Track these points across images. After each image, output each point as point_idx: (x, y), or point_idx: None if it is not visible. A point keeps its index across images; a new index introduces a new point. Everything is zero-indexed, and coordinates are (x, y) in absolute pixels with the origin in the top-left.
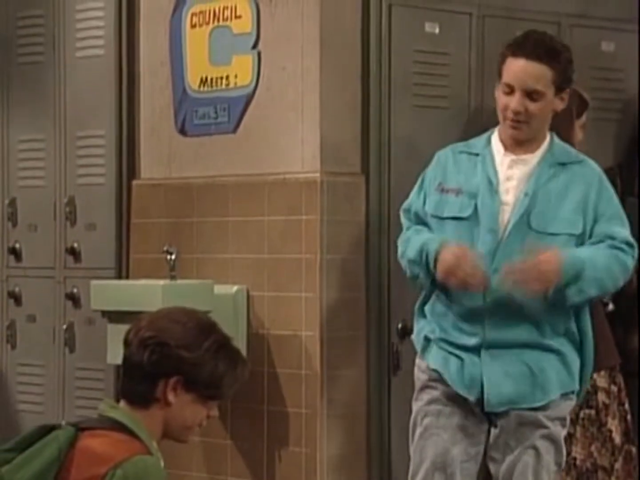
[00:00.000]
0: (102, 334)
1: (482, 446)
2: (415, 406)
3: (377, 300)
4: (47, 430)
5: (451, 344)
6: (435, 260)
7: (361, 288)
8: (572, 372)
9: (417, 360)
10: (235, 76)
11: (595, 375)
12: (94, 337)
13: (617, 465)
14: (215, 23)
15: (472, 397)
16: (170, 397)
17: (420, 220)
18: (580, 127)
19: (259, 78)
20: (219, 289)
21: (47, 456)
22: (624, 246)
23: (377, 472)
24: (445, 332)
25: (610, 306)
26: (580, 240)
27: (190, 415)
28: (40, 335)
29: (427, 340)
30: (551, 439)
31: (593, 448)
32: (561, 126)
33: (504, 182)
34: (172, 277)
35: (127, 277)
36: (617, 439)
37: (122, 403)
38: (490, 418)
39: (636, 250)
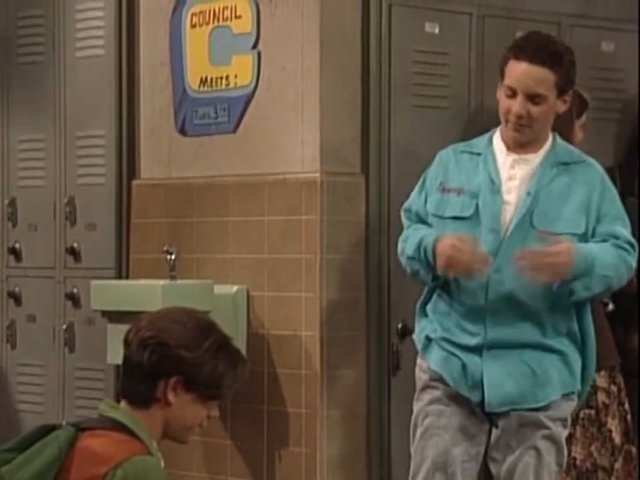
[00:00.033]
0: (102, 334)
1: (483, 446)
2: (416, 406)
3: (377, 300)
4: (47, 430)
5: (453, 343)
6: (434, 254)
7: (361, 288)
8: (574, 372)
9: (419, 360)
10: (235, 76)
11: (595, 375)
12: (94, 337)
13: (617, 465)
14: (215, 23)
15: (474, 398)
16: (171, 397)
17: (420, 220)
18: (580, 127)
19: (259, 78)
20: (219, 289)
21: (47, 456)
22: (627, 246)
23: (377, 472)
24: (447, 332)
25: (610, 306)
26: (583, 240)
27: (191, 415)
28: (40, 335)
29: (428, 339)
30: (552, 439)
31: (593, 448)
32: (561, 126)
33: (506, 181)
34: (172, 277)
35: (127, 277)
36: (617, 439)
37: (122, 403)
38: (492, 418)
39: (637, 250)
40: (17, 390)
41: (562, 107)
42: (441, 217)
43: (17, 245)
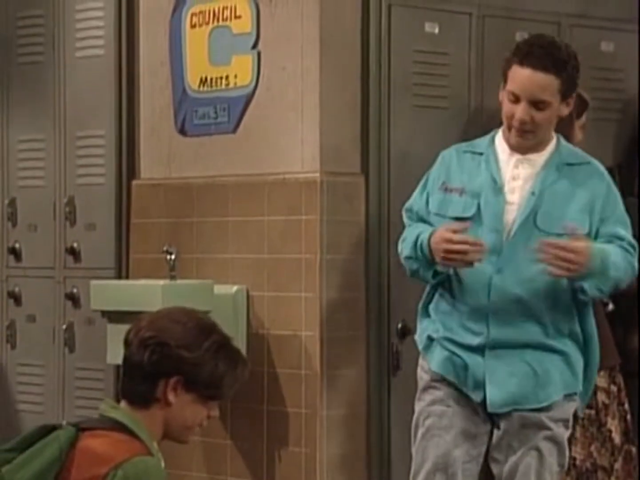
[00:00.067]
0: (102, 334)
1: (484, 447)
2: (418, 406)
3: (377, 300)
4: (47, 430)
5: (455, 343)
6: (430, 250)
7: (361, 288)
8: (576, 372)
9: (420, 360)
10: (235, 76)
11: None
12: (94, 337)
13: (617, 465)
14: (215, 23)
15: (476, 398)
16: (171, 397)
17: (421, 220)
18: (580, 127)
19: (258, 78)
20: (218, 289)
21: (47, 456)
22: (630, 248)
23: (377, 472)
24: (450, 331)
25: (610, 306)
26: None
27: (191, 415)
28: (40, 335)
29: (430, 339)
30: (554, 440)
31: (593, 448)
32: (561, 126)
33: (509, 181)
34: (172, 277)
35: (127, 277)
36: (617, 439)
37: (122, 403)
38: (493, 419)
39: (637, 251)
40: (17, 390)
41: (565, 111)
42: (443, 217)
43: (17, 245)
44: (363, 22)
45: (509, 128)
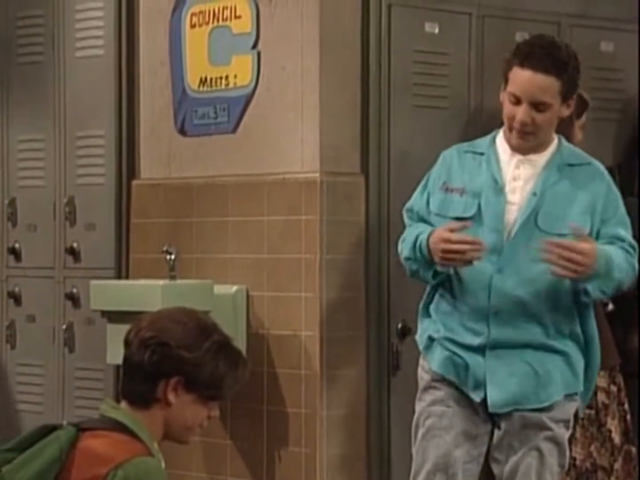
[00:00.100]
0: (101, 334)
1: (485, 447)
2: (418, 407)
3: (377, 300)
4: (48, 430)
5: (456, 343)
6: (429, 250)
7: (361, 288)
8: (577, 372)
9: (421, 360)
10: (235, 76)
11: None
12: (94, 337)
13: (617, 466)
14: (215, 23)
15: (478, 398)
16: (171, 397)
17: (421, 220)
18: (580, 127)
19: (258, 78)
20: (218, 289)
21: (47, 456)
22: (630, 249)
23: (377, 472)
24: (450, 331)
25: (610, 306)
26: None
27: (191, 416)
28: (39, 335)
29: (430, 339)
30: (555, 441)
31: (592, 448)
32: (561, 126)
33: (510, 181)
34: (172, 277)
35: (126, 277)
36: (617, 439)
37: (122, 403)
38: (494, 419)
39: (637, 252)
40: (17, 390)
41: (566, 112)
42: (444, 217)
43: (16, 245)
44: (363, 22)
45: (510, 129)
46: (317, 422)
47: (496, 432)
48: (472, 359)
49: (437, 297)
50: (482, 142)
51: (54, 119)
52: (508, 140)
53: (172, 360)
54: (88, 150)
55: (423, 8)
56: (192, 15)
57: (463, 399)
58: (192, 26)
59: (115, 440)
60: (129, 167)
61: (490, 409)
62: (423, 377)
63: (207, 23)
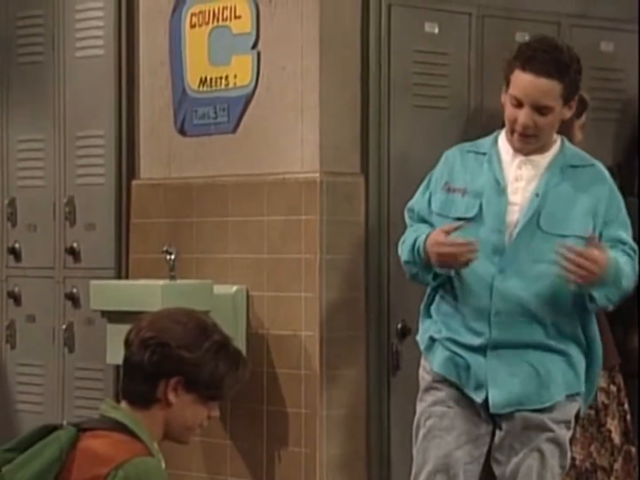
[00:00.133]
0: (101, 334)
1: (486, 447)
2: (419, 407)
3: (377, 300)
4: (48, 430)
5: (457, 343)
6: (427, 253)
7: (361, 288)
8: (578, 373)
9: (422, 361)
10: (235, 76)
11: None
12: (94, 337)
13: (617, 466)
14: (215, 23)
15: (479, 399)
16: (171, 397)
17: (422, 220)
18: (580, 127)
19: (258, 78)
20: (218, 289)
21: (47, 456)
22: (632, 253)
23: (377, 472)
24: (452, 332)
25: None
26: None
27: (191, 416)
28: (39, 335)
29: (432, 340)
30: (556, 442)
31: (592, 448)
32: (561, 127)
33: (512, 182)
34: (172, 277)
35: (126, 277)
36: (617, 439)
37: (123, 404)
38: (495, 420)
39: (637, 254)
40: (17, 390)
41: (567, 114)
42: (446, 217)
43: (16, 245)
44: (363, 22)
45: (512, 132)
46: (317, 422)
47: (497, 432)
48: (473, 359)
49: (438, 297)
50: (484, 142)
51: (53, 119)
52: (510, 143)
53: (172, 361)
54: (88, 150)
55: (423, 8)
56: (192, 15)
57: (464, 399)
58: (192, 26)
59: (115, 440)
60: (129, 167)
61: (492, 410)
62: (424, 377)
63: (207, 23)
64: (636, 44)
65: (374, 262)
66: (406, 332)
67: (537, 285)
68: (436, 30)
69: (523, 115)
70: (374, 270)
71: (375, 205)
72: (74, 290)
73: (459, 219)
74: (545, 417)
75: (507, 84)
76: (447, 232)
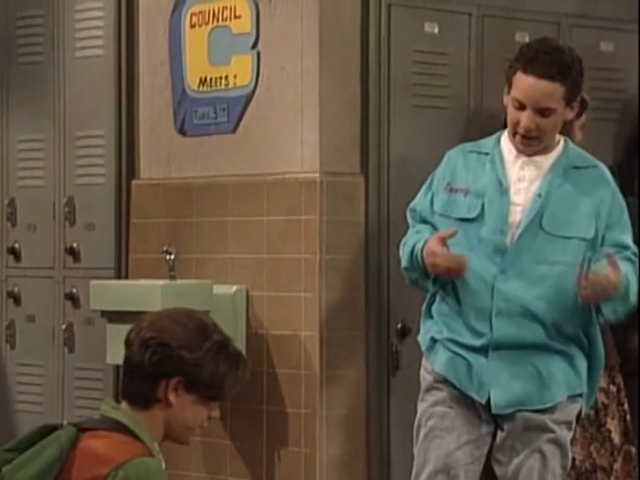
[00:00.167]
0: (101, 334)
1: (487, 448)
2: (420, 407)
3: (377, 300)
4: (48, 430)
5: (459, 344)
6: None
7: (361, 288)
8: (580, 373)
9: (423, 361)
10: (235, 76)
11: None
12: (94, 337)
13: (617, 466)
14: (215, 23)
15: (481, 399)
16: (172, 397)
17: (424, 220)
18: (580, 127)
19: (258, 78)
20: (218, 289)
21: (48, 456)
22: (634, 257)
23: (376, 472)
24: (453, 332)
25: None
26: (591, 245)
27: (191, 416)
28: (39, 335)
29: (433, 340)
30: (557, 443)
31: (592, 448)
32: (561, 127)
33: (515, 183)
34: (172, 277)
35: (126, 277)
36: (616, 439)
37: (123, 404)
38: (496, 420)
39: (637, 256)
40: (17, 390)
41: (569, 115)
42: (448, 218)
43: (16, 245)
44: (363, 22)
45: (514, 135)
46: (317, 422)
47: (499, 433)
48: (475, 359)
49: (439, 298)
50: (487, 142)
51: (53, 119)
52: (513, 146)
53: (173, 361)
54: (88, 150)
55: (423, 8)
56: (192, 15)
57: (465, 400)
58: (192, 26)
59: (115, 440)
60: (129, 167)
61: (494, 410)
62: (425, 377)
63: (207, 23)
64: (636, 44)
65: (374, 262)
66: (406, 332)
67: (539, 286)
68: (436, 30)
69: (525, 118)
70: (373, 270)
71: (375, 206)
72: (74, 290)
73: (462, 219)
74: (546, 418)
75: (509, 86)
76: (444, 240)
